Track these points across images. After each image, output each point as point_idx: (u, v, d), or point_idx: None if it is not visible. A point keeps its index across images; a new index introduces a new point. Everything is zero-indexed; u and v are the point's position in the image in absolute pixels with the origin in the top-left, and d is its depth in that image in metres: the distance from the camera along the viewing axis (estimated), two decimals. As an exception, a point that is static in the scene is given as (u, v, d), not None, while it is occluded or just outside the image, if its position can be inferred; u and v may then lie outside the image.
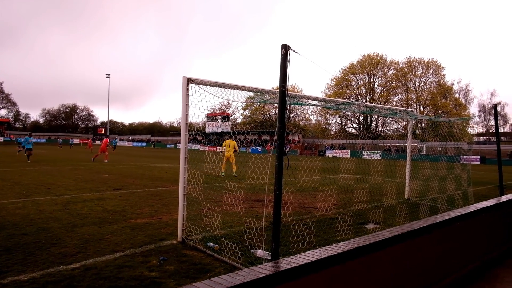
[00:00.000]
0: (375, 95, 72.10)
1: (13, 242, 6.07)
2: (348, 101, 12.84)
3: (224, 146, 16.84)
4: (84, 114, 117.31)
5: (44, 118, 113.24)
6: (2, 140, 79.89)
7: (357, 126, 74.71)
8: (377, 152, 33.53)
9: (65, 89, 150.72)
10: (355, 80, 74.41)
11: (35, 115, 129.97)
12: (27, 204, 9.37)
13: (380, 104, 59.88)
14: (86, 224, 7.37)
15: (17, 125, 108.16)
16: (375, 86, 73.08)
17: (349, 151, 48.06)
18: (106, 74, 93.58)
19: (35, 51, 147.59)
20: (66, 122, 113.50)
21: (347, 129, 74.11)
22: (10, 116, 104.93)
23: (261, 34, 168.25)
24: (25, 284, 4.39)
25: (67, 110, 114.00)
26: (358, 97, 72.37)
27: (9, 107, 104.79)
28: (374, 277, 3.60)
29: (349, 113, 70.18)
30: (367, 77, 73.15)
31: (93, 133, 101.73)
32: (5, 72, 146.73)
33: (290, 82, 4.05)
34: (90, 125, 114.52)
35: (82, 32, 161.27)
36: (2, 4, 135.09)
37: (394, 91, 71.03)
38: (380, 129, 72.40)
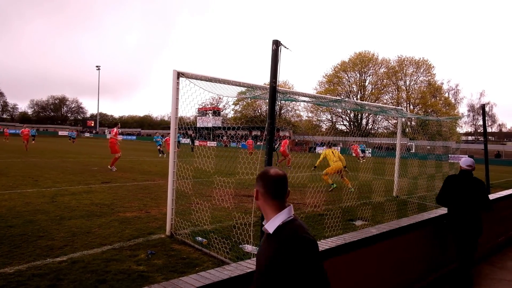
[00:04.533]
0: (366, 92, 72.42)
1: (-1, 234, 6.01)
2: (339, 98, 12.88)
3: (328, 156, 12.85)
4: (73, 106, 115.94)
5: (33, 109, 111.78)
6: (-13, 131, 78.58)
7: (347, 123, 75.04)
8: (367, 150, 33.76)
9: (53, 81, 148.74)
10: (346, 78, 74.59)
11: (23, 106, 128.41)
12: (14, 196, 9.27)
13: (370, 102, 60.20)
14: (74, 217, 7.32)
15: (4, 116, 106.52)
16: (366, 84, 73.41)
17: (339, 148, 48.33)
18: (96, 66, 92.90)
19: (21, 41, 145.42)
20: (55, 114, 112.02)
21: (337, 126, 74.39)
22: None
23: (253, 29, 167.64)
24: (11, 276, 4.35)
25: (56, 101, 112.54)
26: (349, 95, 72.66)
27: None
28: (361, 273, 3.64)
29: (340, 110, 70.49)
30: (358, 75, 73.40)
31: (83, 125, 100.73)
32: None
33: (282, 78, 4.07)
34: (79, 117, 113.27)
35: (69, 22, 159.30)
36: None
37: (384, 89, 71.43)
38: (370, 126, 72.85)
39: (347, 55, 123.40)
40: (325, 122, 75.60)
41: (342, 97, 65.87)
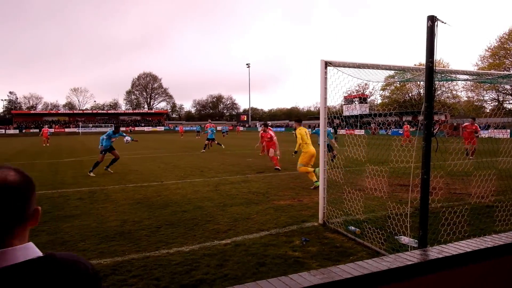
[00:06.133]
0: (545, 64, 61.05)
1: (176, 218, 6.97)
2: (508, 73, 11.14)
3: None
4: (228, 102, 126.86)
5: (195, 108, 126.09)
6: (163, 129, 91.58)
7: (519, 102, 64.55)
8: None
9: (210, 81, 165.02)
10: (517, 48, 63.93)
11: (187, 106, 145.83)
12: (185, 185, 10.62)
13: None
14: (235, 204, 8.01)
15: (173, 116, 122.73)
16: (545, 53, 61.80)
17: (509, 130, 41.97)
18: (246, 64, 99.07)
19: (179, 49, 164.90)
20: (213, 111, 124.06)
21: (506, 105, 64.52)
22: (168, 108, 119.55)
23: (398, 6, 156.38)
24: (187, 254, 5.01)
25: (214, 100, 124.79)
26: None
27: (167, 100, 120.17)
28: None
29: (509, 87, 60.94)
30: (533, 44, 62.25)
31: (237, 120, 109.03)
32: (160, 70, 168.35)
33: (437, 56, 3.70)
34: (233, 112, 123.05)
35: (217, 26, 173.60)
36: (149, 16, 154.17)
37: None
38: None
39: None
40: (490, 102, 66.38)
41: (513, 71, 56.83)
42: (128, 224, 6.53)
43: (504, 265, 2.55)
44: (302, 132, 10.49)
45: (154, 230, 6.15)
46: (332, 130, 21.39)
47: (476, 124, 17.85)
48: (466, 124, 18.51)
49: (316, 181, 9.99)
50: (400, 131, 51.19)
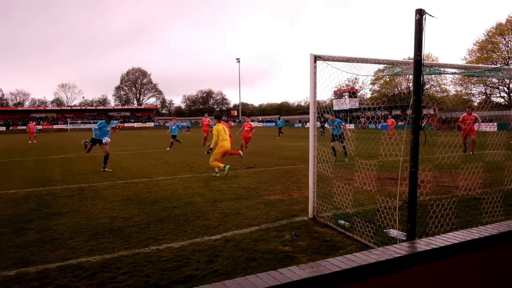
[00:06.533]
0: (531, 57, 61.83)
1: (165, 214, 6.94)
2: (496, 66, 11.26)
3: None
4: (218, 98, 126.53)
5: (185, 103, 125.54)
6: (152, 125, 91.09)
7: (506, 95, 65.33)
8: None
9: (200, 76, 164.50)
10: (504, 42, 64.47)
11: (177, 101, 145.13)
12: (175, 181, 10.57)
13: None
14: (225, 200, 8.01)
15: (163, 111, 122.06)
16: (531, 46, 62.54)
17: (496, 124, 42.56)
18: (236, 59, 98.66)
19: (170, 44, 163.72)
20: (203, 106, 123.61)
21: (493, 99, 65.28)
22: (158, 103, 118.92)
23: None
24: (177, 250, 4.99)
25: (204, 95, 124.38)
26: (508, 62, 62.94)
27: (157, 96, 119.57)
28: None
29: (496, 81, 61.68)
30: (519, 38, 62.90)
31: (227, 115, 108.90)
32: (150, 65, 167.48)
33: (425, 50, 3.72)
34: (224, 108, 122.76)
35: (208, 21, 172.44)
36: (137, 10, 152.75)
37: (557, 51, 59.92)
38: (538, 97, 62.24)
39: (503, 15, 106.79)
40: (477, 96, 67.11)
41: (500, 65, 57.45)
42: (117, 221, 6.49)
43: (490, 256, 2.59)
44: (220, 128, 11.24)
45: (143, 227, 6.11)
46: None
47: (474, 114, 16.61)
48: (464, 115, 16.77)
49: (216, 173, 11.16)
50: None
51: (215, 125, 11.55)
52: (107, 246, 5.21)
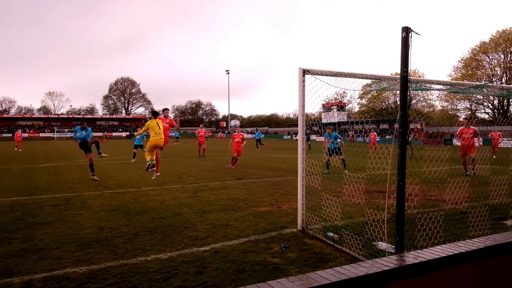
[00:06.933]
0: (514, 74, 63.27)
1: (153, 224, 6.88)
2: (480, 83, 11.47)
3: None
4: (207, 109, 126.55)
5: (174, 114, 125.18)
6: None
7: (491, 112, 66.62)
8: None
9: (190, 87, 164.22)
10: (488, 60, 66.03)
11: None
12: (163, 191, 10.51)
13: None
14: (214, 211, 7.98)
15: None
16: (514, 64, 64.05)
17: (481, 139, 43.36)
18: (226, 71, 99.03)
19: (160, 54, 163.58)
20: (193, 117, 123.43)
21: (478, 114, 66.54)
22: (146, 113, 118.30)
23: (375, 16, 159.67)
24: (165, 262, 4.95)
25: (193, 106, 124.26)
26: (492, 79, 64.31)
27: (145, 105, 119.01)
28: (516, 279, 3.22)
29: (481, 97, 62.95)
30: (502, 56, 64.39)
31: (216, 126, 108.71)
32: (140, 74, 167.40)
33: (411, 66, 3.81)
34: (213, 119, 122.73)
35: (198, 34, 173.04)
36: (128, 20, 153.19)
37: (539, 68, 61.45)
38: (521, 113, 63.55)
39: (487, 34, 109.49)
40: (463, 111, 68.33)
41: (484, 82, 58.67)
42: (104, 231, 6.42)
43: (478, 270, 2.63)
44: (152, 124, 11.45)
45: (131, 237, 6.06)
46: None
47: (473, 127, 14.26)
48: (461, 129, 14.21)
49: (149, 162, 11.61)
50: (378, 139, 52.03)
51: (149, 120, 11.83)
52: (94, 257, 5.14)
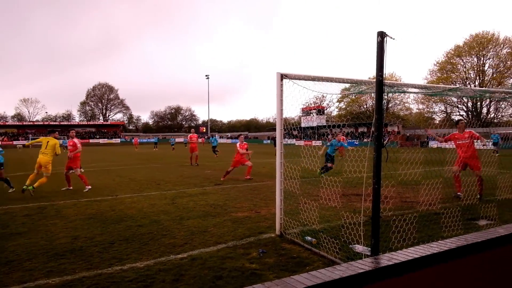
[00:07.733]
0: (486, 78, 65.26)
1: (130, 232, 6.76)
2: (454, 86, 11.77)
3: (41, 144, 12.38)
4: (187, 114, 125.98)
5: (153, 119, 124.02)
6: (119, 141, 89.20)
7: (465, 114, 68.52)
8: (489, 141, 30.16)
9: (169, 92, 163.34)
10: (462, 63, 68.03)
11: (145, 117, 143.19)
12: (141, 198, 10.35)
13: (492, 87, 54.13)
14: (192, 217, 7.89)
15: (130, 127, 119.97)
16: (486, 68, 66.13)
17: (487, 141, 44.42)
18: (206, 75, 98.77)
19: (138, 59, 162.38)
20: (172, 122, 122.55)
21: (453, 117, 68.32)
22: (125, 119, 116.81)
23: (352, 21, 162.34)
24: (141, 270, 4.86)
25: (172, 111, 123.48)
26: (466, 82, 66.23)
27: (124, 111, 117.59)
28: (486, 278, 3.29)
29: (455, 100, 64.75)
30: (475, 59, 66.46)
31: (196, 131, 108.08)
32: (118, 80, 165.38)
33: (388, 70, 3.88)
34: (192, 124, 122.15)
35: (176, 39, 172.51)
36: (105, 25, 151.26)
37: (508, 72, 63.55)
38: (492, 115, 65.53)
39: (461, 38, 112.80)
40: (439, 114, 70.06)
41: (458, 85, 60.30)
42: (79, 241, 6.26)
43: (450, 269, 2.67)
44: (43, 141, 12.23)
45: (107, 246, 5.92)
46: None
47: (469, 130, 9.97)
48: (453, 134, 10.07)
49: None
50: (356, 142, 52.69)
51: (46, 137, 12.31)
52: (68, 267, 5.00)
